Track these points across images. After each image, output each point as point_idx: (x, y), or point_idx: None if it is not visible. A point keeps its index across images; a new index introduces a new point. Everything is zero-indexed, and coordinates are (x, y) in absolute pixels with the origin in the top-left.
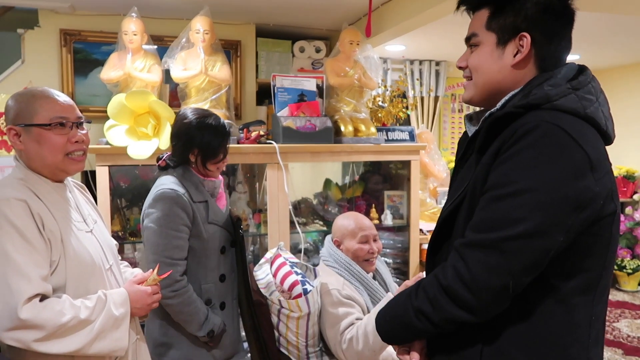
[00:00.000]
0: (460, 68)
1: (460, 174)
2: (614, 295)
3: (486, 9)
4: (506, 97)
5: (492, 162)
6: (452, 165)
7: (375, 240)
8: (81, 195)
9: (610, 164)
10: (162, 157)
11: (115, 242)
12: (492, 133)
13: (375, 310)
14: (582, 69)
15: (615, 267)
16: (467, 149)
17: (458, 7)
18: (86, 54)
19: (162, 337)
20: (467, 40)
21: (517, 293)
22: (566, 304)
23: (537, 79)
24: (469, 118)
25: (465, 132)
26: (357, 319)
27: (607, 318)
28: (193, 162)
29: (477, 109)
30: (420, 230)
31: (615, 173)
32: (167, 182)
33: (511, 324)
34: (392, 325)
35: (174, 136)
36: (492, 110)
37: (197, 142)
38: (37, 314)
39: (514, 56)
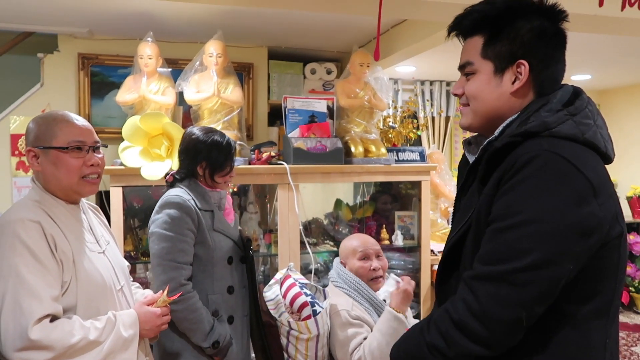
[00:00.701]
0: (456, 95)
1: (463, 202)
2: (632, 319)
3: (480, 36)
4: (504, 124)
5: (494, 193)
6: None
7: (378, 257)
8: (95, 216)
9: (612, 185)
10: (170, 173)
11: (127, 263)
12: (493, 163)
13: (377, 328)
14: (577, 92)
15: (632, 289)
16: (468, 176)
17: (449, 34)
18: (103, 77)
19: (169, 349)
20: (462, 68)
21: (532, 324)
22: (581, 329)
23: (533, 105)
24: (468, 143)
25: (465, 156)
26: (364, 338)
27: (625, 342)
28: (201, 175)
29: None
30: (432, 251)
31: (630, 193)
32: (173, 191)
33: (528, 354)
34: None
35: (182, 152)
36: (491, 138)
37: (205, 155)
38: (47, 335)
39: (512, 83)
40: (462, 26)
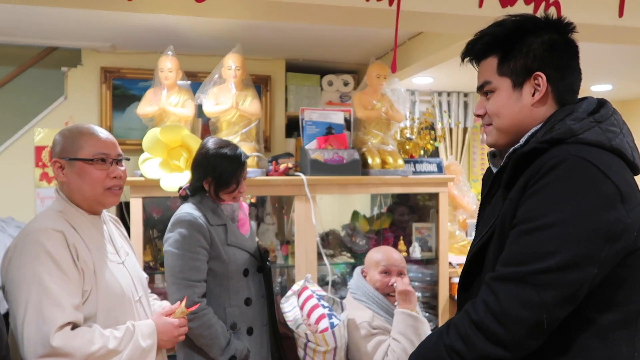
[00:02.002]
0: (478, 116)
1: (487, 209)
2: None
3: (493, 57)
4: (529, 134)
5: (520, 197)
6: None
7: (401, 274)
8: (115, 228)
9: None
10: (183, 187)
11: (145, 275)
12: (519, 169)
13: (396, 331)
14: (602, 103)
15: None
16: (492, 185)
17: (463, 60)
18: (124, 90)
19: None
20: (481, 88)
21: (553, 328)
22: (606, 338)
23: (558, 114)
24: (492, 155)
25: (489, 169)
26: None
27: None
28: (207, 191)
29: None
30: (450, 263)
31: None
32: (184, 208)
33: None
34: None
35: (193, 165)
36: (516, 146)
37: (211, 171)
38: (68, 342)
39: (532, 95)
40: (475, 50)
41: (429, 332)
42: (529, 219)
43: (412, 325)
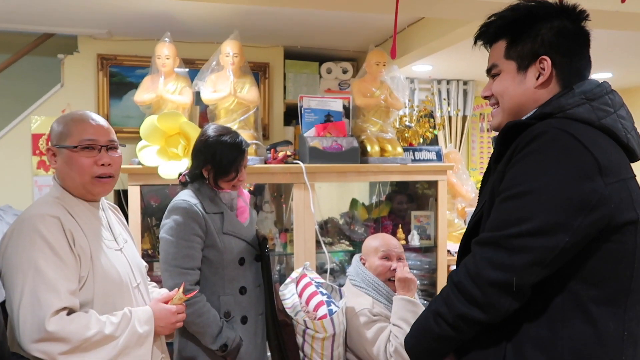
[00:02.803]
0: (485, 98)
1: (485, 186)
2: None
3: (503, 40)
4: (528, 115)
5: (504, 169)
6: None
7: (400, 260)
8: (114, 215)
9: (630, 173)
10: (183, 173)
11: (144, 263)
12: (506, 143)
13: (397, 317)
14: (600, 83)
15: None
16: (489, 166)
17: (475, 43)
18: (121, 78)
19: (182, 351)
20: (489, 71)
21: (526, 294)
22: (589, 313)
23: (556, 95)
24: (495, 139)
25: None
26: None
27: None
28: (207, 178)
29: None
30: (448, 251)
31: None
32: (181, 195)
33: (533, 328)
34: (417, 338)
35: (193, 152)
36: (509, 123)
37: (210, 158)
38: (64, 327)
39: (537, 79)
40: (486, 33)
41: None
42: (508, 187)
43: (412, 311)
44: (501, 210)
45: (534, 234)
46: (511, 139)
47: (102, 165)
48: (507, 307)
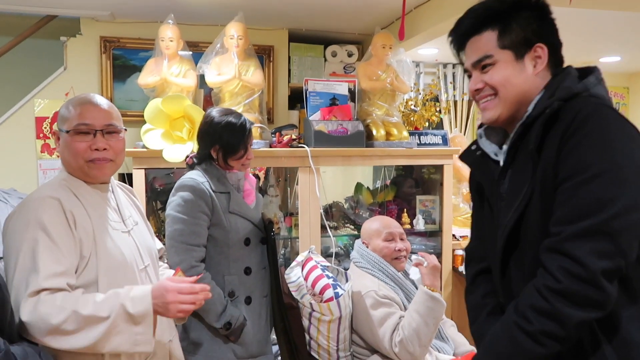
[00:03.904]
0: (476, 91)
1: (507, 185)
2: None
3: (490, 31)
4: (535, 101)
5: (557, 155)
6: None
7: (402, 240)
8: (126, 197)
9: None
10: (190, 155)
11: (160, 246)
12: (547, 127)
13: (414, 309)
14: (587, 71)
15: None
16: (507, 158)
17: (451, 36)
18: (125, 60)
19: (193, 338)
20: (477, 62)
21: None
22: None
23: (554, 81)
24: (480, 136)
25: (471, 153)
26: (399, 317)
27: None
28: (215, 159)
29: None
30: (453, 235)
31: None
32: (189, 174)
33: (624, 309)
34: None
35: (199, 134)
36: (528, 113)
37: (218, 138)
38: (34, 310)
39: (534, 66)
40: (471, 25)
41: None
42: (578, 172)
43: (431, 308)
44: (581, 197)
45: (629, 210)
46: (552, 121)
47: (97, 150)
48: (616, 295)
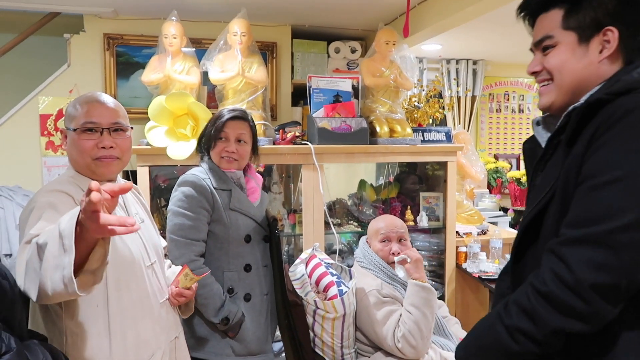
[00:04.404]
0: (533, 74)
1: (541, 176)
2: None
3: (557, 9)
4: (590, 92)
5: (584, 152)
6: (490, 166)
7: (401, 241)
8: (132, 195)
9: None
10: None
11: (164, 243)
12: (583, 122)
13: (409, 303)
14: None
15: None
16: (546, 150)
17: (519, 15)
18: (128, 57)
19: (197, 333)
20: (539, 43)
21: (632, 293)
22: None
23: (621, 72)
24: (537, 123)
25: (532, 139)
26: (402, 314)
27: None
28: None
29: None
30: (457, 232)
31: None
32: (191, 170)
33: (627, 331)
34: (480, 355)
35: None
36: (576, 104)
37: (204, 131)
38: (19, 256)
39: (600, 52)
40: (534, 3)
41: (436, 300)
42: (598, 173)
43: (424, 298)
44: (592, 201)
45: None
46: (587, 118)
47: (103, 148)
48: (613, 314)
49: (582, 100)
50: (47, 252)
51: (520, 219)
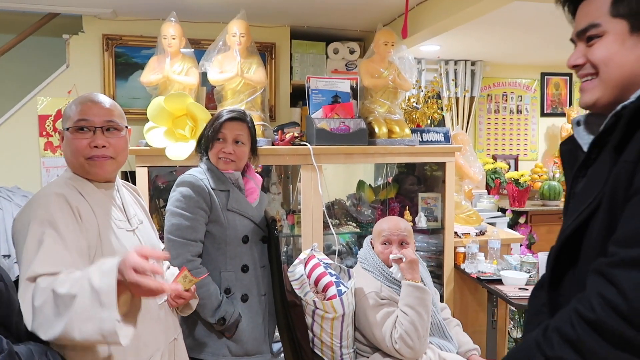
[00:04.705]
0: (574, 67)
1: (583, 184)
2: None
3: None
4: None
5: (637, 159)
6: (488, 166)
7: (402, 244)
8: (130, 196)
9: None
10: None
11: (162, 245)
12: (634, 124)
13: (404, 304)
14: None
15: None
16: (589, 154)
17: (559, 2)
18: (127, 58)
19: (197, 336)
20: (582, 33)
21: None
22: None
23: None
24: (577, 123)
25: (570, 140)
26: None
27: None
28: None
29: (583, 112)
30: (455, 233)
31: None
32: (190, 171)
33: None
34: None
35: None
36: (626, 103)
37: (202, 132)
38: (23, 294)
39: None
40: None
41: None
42: None
43: (419, 297)
44: None
45: None
46: (638, 121)
47: (96, 147)
48: None
49: (633, 98)
50: (76, 305)
51: (560, 230)
